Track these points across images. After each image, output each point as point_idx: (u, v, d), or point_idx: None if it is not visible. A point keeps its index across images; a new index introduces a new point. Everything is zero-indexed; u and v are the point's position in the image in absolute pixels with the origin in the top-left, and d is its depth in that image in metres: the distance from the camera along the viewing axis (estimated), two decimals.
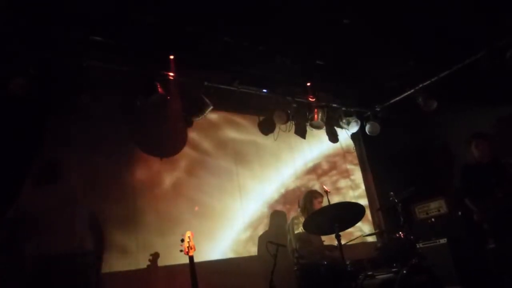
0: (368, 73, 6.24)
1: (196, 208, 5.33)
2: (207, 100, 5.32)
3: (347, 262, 4.24)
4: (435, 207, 6.10)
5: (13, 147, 4.10)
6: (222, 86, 5.64)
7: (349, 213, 4.20)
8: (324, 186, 4.29)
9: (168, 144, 5.42)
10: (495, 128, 6.04)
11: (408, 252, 4.41)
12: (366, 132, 6.95)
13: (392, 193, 4.98)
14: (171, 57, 5.11)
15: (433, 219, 6.02)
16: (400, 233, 4.57)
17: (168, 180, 5.32)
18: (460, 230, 5.62)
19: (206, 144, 5.78)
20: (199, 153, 5.68)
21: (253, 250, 5.64)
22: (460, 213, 5.79)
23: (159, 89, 4.90)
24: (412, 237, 4.57)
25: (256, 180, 6.14)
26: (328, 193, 4.24)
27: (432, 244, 5.56)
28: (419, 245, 5.27)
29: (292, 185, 6.41)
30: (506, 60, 5.44)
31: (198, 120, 5.48)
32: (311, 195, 5.31)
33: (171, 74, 5.17)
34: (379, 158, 7.24)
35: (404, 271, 3.91)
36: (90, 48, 4.68)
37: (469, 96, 5.98)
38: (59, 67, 4.52)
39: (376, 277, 4.16)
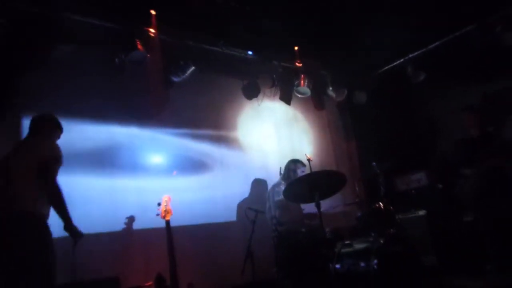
0: (358, 41, 6.07)
1: (174, 173, 5.23)
2: (189, 60, 5.11)
3: (326, 230, 4.24)
4: (416, 179, 6.12)
5: None
6: (206, 47, 5.44)
7: (330, 182, 4.15)
8: (306, 154, 4.20)
9: (148, 104, 5.22)
10: (481, 103, 6.00)
11: (387, 222, 4.41)
12: (352, 101, 6.85)
13: (374, 163, 4.96)
14: (153, 12, 4.84)
15: (413, 191, 6.06)
16: (380, 203, 4.56)
17: (146, 143, 5.18)
18: (440, 203, 5.68)
19: (187, 106, 5.59)
20: (180, 115, 5.51)
21: (231, 216, 5.60)
22: (440, 186, 5.82)
23: (139, 46, 4.67)
24: (391, 208, 4.57)
25: (238, 146, 6.04)
26: (311, 161, 4.16)
27: (411, 216, 5.61)
28: (398, 216, 5.29)
29: (274, 153, 6.31)
30: (495, 35, 5.38)
31: (179, 81, 5.28)
32: (294, 164, 5.24)
33: (152, 30, 4.92)
34: (363, 127, 7.18)
35: (381, 241, 3.91)
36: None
37: (459, 70, 5.92)
38: (31, 18, 4.24)
39: (354, 245, 4.16)
